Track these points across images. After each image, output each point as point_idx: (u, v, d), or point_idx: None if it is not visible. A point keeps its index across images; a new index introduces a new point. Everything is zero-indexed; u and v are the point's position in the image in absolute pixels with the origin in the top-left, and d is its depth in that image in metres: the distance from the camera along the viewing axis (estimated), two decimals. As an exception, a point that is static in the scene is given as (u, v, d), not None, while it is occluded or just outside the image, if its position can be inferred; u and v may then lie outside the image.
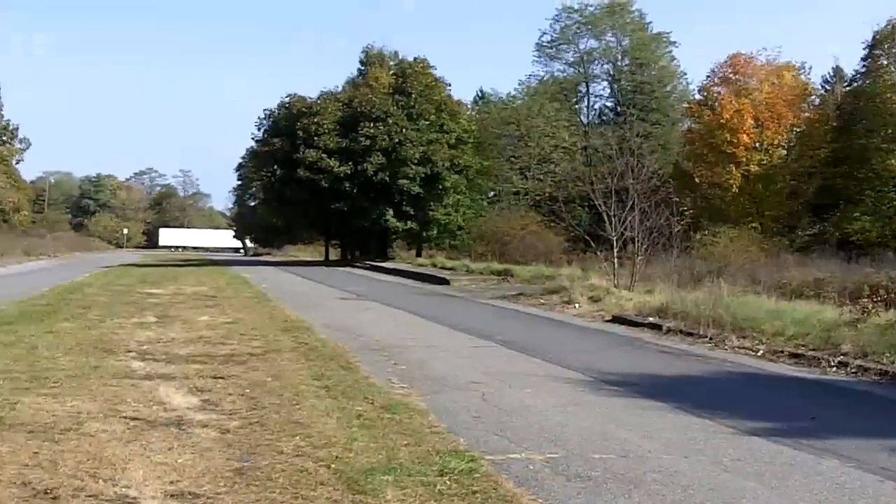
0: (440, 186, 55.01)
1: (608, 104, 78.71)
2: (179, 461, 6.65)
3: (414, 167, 53.78)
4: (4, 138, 74.29)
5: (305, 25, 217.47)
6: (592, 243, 29.66)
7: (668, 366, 13.29)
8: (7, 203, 70.92)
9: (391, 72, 61.20)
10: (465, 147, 57.38)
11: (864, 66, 53.18)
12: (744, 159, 52.08)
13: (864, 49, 52.68)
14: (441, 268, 41.53)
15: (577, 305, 22.51)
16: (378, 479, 6.26)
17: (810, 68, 58.20)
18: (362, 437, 7.49)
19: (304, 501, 5.82)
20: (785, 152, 53.86)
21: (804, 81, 56.18)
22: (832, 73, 61.49)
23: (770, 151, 53.07)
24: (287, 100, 59.21)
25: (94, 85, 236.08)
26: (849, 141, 49.74)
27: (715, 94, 55.15)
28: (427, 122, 55.65)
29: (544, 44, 76.97)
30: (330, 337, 15.06)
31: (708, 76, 57.37)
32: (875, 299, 16.33)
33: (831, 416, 9.74)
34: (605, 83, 78.28)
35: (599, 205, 27.68)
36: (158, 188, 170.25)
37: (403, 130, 54.21)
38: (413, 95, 56.43)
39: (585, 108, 78.94)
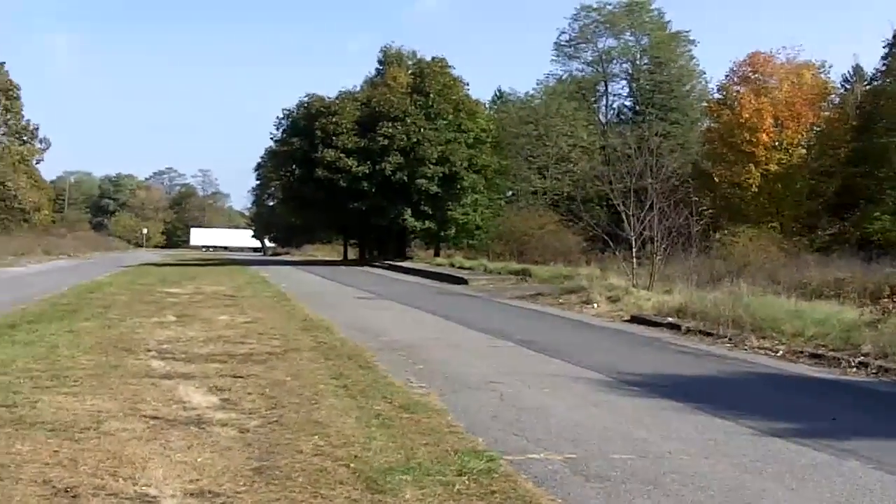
0: (458, 186, 54.96)
1: (627, 103, 78.72)
2: (199, 460, 6.67)
3: (432, 167, 53.74)
4: (25, 138, 74.71)
5: (324, 25, 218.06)
6: (611, 243, 29.61)
7: (688, 366, 13.26)
8: (28, 202, 71.31)
9: (409, 71, 61.19)
10: (484, 146, 57.29)
11: (884, 64, 52.85)
12: (763, 159, 51.87)
13: (883, 48, 52.42)
14: (459, 267, 41.50)
15: (595, 305, 22.45)
16: (397, 478, 6.26)
17: (830, 67, 57.78)
18: (381, 437, 7.49)
19: (323, 500, 5.82)
20: (805, 151, 53.58)
21: (824, 80, 55.90)
22: (852, 72, 61.25)
23: (790, 151, 52.81)
24: (306, 99, 59.27)
25: (113, 85, 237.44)
26: (869, 140, 49.41)
27: (734, 93, 54.94)
28: (445, 122, 55.59)
29: (563, 43, 77.05)
30: (349, 336, 15.07)
31: (727, 75, 57.20)
32: (896, 299, 16.23)
33: (852, 417, 9.68)
34: (624, 82, 78.32)
35: (618, 204, 27.63)
36: (178, 188, 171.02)
37: (421, 130, 54.18)
38: (431, 95, 56.40)
39: (604, 108, 78.96)
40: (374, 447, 7.11)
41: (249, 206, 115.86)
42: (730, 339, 15.72)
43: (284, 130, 60.83)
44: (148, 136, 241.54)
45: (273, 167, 66.97)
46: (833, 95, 56.67)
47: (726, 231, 42.30)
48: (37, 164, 77.71)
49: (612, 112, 79.27)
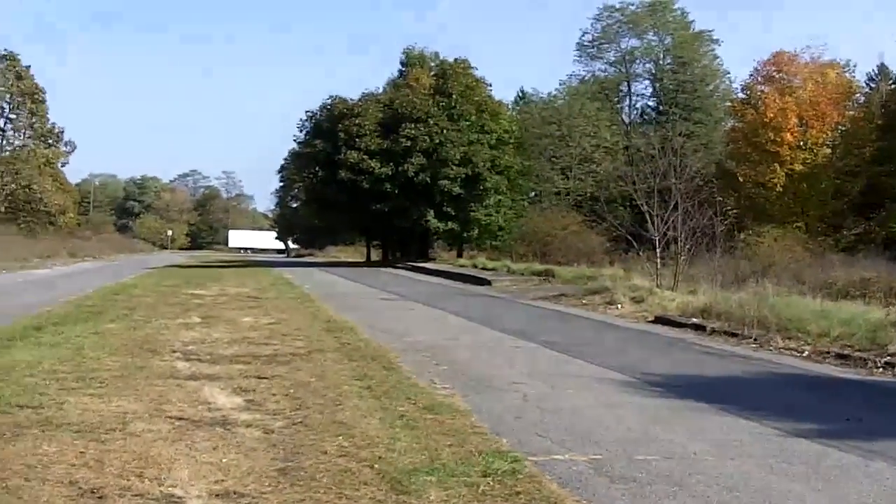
0: (481, 187, 54.94)
1: (650, 103, 78.59)
2: (224, 461, 6.69)
3: (455, 168, 53.76)
4: (50, 141, 75.29)
5: (346, 27, 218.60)
6: (635, 243, 29.56)
7: (712, 367, 13.19)
8: (53, 205, 71.83)
9: (432, 73, 61.27)
10: (506, 147, 57.25)
11: (910, 62, 52.52)
12: (788, 158, 51.65)
13: (909, 46, 52.01)
14: (482, 268, 41.44)
15: (619, 306, 22.37)
16: (421, 479, 6.26)
17: (855, 66, 57.59)
18: (405, 438, 7.49)
19: (347, 501, 5.83)
20: (829, 151, 53.32)
21: (848, 79, 55.68)
22: (877, 71, 60.76)
23: (814, 150, 52.57)
24: (329, 101, 59.41)
25: (139, 88, 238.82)
26: (894, 139, 49.07)
27: (758, 93, 54.73)
28: (468, 123, 55.57)
29: (586, 43, 77.03)
30: (372, 337, 15.08)
31: (751, 74, 57.04)
32: (923, 299, 16.12)
33: (878, 418, 9.61)
34: (647, 82, 78.21)
35: (642, 204, 27.56)
36: (202, 190, 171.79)
37: (444, 131, 54.20)
38: (454, 96, 56.42)
39: (627, 108, 78.91)
40: (398, 448, 7.12)
41: (273, 207, 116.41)
42: (755, 340, 15.63)
43: (307, 132, 61.01)
44: (172, 138, 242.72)
45: (296, 169, 67.26)
46: (858, 94, 56.41)
47: (751, 231, 42.13)
48: (62, 166, 78.43)
49: (635, 112, 79.23)
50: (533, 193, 66.90)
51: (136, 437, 7.33)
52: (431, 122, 54.42)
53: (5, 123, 72.71)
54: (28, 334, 14.03)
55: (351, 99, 58.91)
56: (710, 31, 75.73)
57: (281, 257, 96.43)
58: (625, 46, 76.38)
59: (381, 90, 61.80)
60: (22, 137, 73.73)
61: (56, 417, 7.91)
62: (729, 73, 76.94)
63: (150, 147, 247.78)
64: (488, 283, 33.43)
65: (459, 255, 56.77)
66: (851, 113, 53.72)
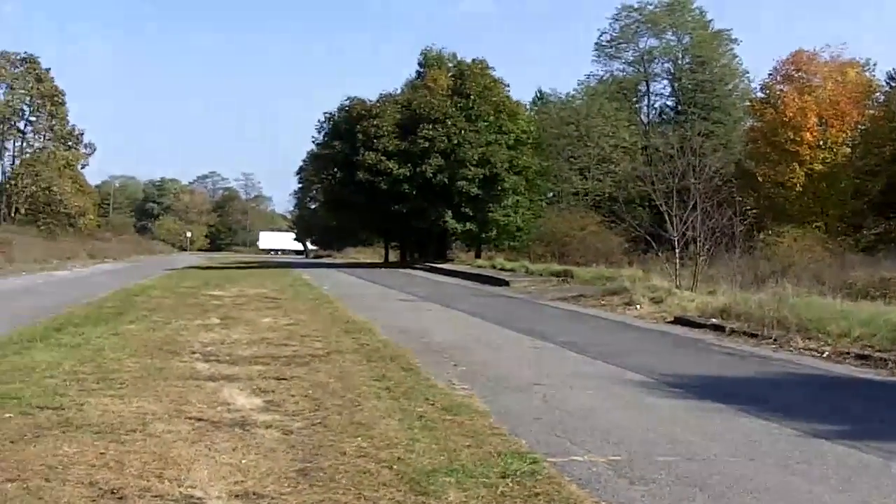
0: (499, 188, 54.93)
1: (669, 103, 78.40)
2: (244, 462, 6.70)
3: (473, 168, 53.77)
4: (70, 143, 75.80)
5: (364, 27, 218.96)
6: (653, 244, 29.46)
7: (732, 367, 13.13)
8: (73, 207, 72.25)
9: (450, 73, 61.29)
10: (524, 148, 57.22)
11: (930, 61, 52.22)
12: (807, 158, 51.44)
13: (930, 44, 51.75)
14: (500, 269, 41.40)
15: (638, 307, 22.31)
16: (440, 480, 6.26)
17: (875, 65, 57.22)
18: (424, 439, 7.49)
19: (366, 502, 5.83)
20: (849, 150, 53.03)
21: (868, 78, 55.39)
22: (897, 70, 60.34)
23: (834, 149, 52.32)
24: (347, 103, 59.60)
25: (158, 90, 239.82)
26: (915, 138, 48.83)
27: (778, 92, 54.54)
28: (486, 124, 55.58)
29: (604, 43, 76.93)
30: (391, 338, 15.07)
31: (770, 74, 56.83)
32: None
33: (900, 419, 9.55)
34: (666, 82, 78.01)
35: (660, 205, 27.49)
36: (221, 191, 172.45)
37: (462, 132, 54.23)
38: (471, 97, 56.44)
39: (646, 108, 78.73)
40: (417, 449, 7.11)
41: (291, 209, 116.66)
42: (775, 341, 15.56)
43: (326, 134, 61.19)
44: (191, 140, 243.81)
45: (315, 170, 67.43)
46: (878, 93, 56.04)
47: (770, 231, 42.00)
48: (82, 168, 78.97)
49: (653, 112, 79.05)
50: (551, 194, 66.83)
51: (156, 437, 7.35)
52: (449, 122, 54.46)
53: (25, 126, 73.34)
54: (48, 335, 14.08)
55: (369, 100, 59.12)
56: (728, 31, 75.55)
57: (300, 258, 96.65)
58: (643, 46, 76.29)
59: (398, 91, 61.90)
60: (42, 140, 74.30)
61: (76, 418, 7.94)
62: (748, 72, 76.71)
63: (169, 149, 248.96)
64: (506, 283, 33.40)
65: (478, 256, 56.80)
66: (871, 112, 53.41)
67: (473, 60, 60.60)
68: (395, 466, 6.60)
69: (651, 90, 78.50)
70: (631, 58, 77.23)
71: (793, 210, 50.38)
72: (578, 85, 79.90)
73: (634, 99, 78.47)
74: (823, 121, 52.17)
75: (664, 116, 77.12)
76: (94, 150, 78.61)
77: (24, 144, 73.55)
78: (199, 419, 8.13)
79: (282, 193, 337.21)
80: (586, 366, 12.79)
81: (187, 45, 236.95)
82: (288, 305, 21.99)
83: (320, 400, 9.17)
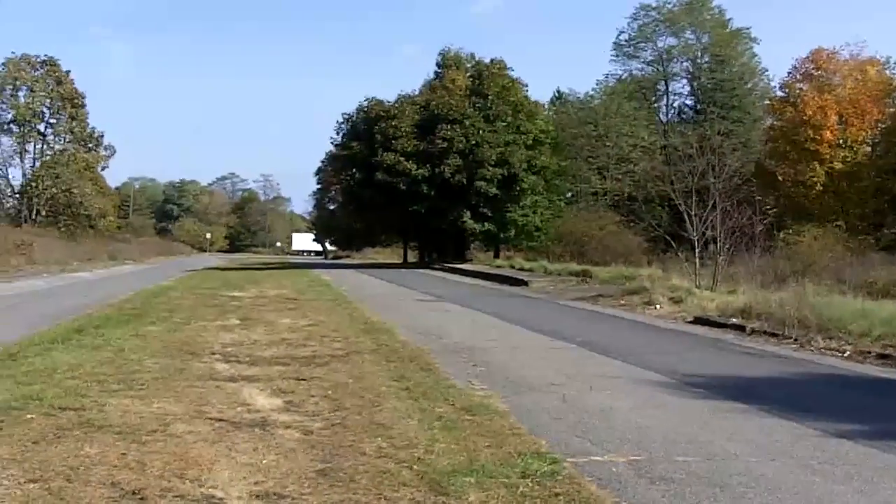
0: (517, 188, 54.86)
1: (688, 102, 78.13)
2: (264, 462, 6.72)
3: (491, 169, 53.71)
4: (90, 145, 76.10)
5: (381, 28, 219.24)
6: (673, 243, 29.39)
7: (753, 367, 13.07)
8: (93, 209, 72.53)
9: (468, 74, 61.24)
10: (543, 148, 57.10)
11: (950, 58, 51.91)
12: (827, 156, 51.20)
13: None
14: (519, 269, 41.39)
15: (657, 306, 22.26)
16: (460, 480, 6.25)
17: (895, 63, 56.83)
18: (444, 439, 7.49)
19: (387, 502, 5.84)
20: (870, 149, 52.73)
21: (889, 76, 55.03)
22: (919, 68, 59.92)
23: (854, 148, 52.07)
24: (365, 104, 59.66)
25: (176, 93, 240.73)
26: (937, 136, 48.52)
27: (797, 91, 54.32)
28: (504, 124, 55.51)
29: (622, 42, 76.76)
30: (410, 339, 15.09)
31: (790, 72, 56.55)
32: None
33: (923, 419, 9.49)
34: (685, 81, 77.76)
35: (680, 204, 27.42)
36: (240, 192, 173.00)
37: (480, 132, 54.19)
38: (490, 97, 56.40)
39: (664, 107, 78.52)
40: (436, 449, 7.11)
41: (310, 209, 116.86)
42: (795, 340, 15.49)
43: (345, 135, 61.28)
44: (211, 142, 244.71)
45: (333, 171, 67.58)
46: (899, 92, 55.66)
47: (790, 230, 41.80)
48: (102, 170, 79.22)
49: (672, 111, 78.79)
50: (570, 194, 66.72)
51: (177, 438, 7.38)
52: (467, 123, 54.44)
53: (46, 128, 73.64)
54: (69, 337, 14.15)
55: (387, 101, 59.15)
56: (747, 29, 75.20)
57: (319, 259, 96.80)
58: (662, 45, 76.08)
59: (417, 92, 61.92)
60: (62, 142, 74.59)
61: (97, 419, 7.97)
62: (767, 70, 76.42)
63: (188, 150, 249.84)
64: (525, 283, 33.37)
65: (496, 256, 56.72)
66: (892, 110, 53.09)
67: (492, 61, 60.58)
68: (414, 466, 6.60)
69: (670, 89, 78.31)
70: (650, 57, 77.08)
71: (813, 209, 50.15)
72: (597, 84, 79.78)
73: (653, 98, 78.25)
74: (843, 119, 51.92)
75: (683, 116, 76.86)
76: (114, 152, 78.96)
77: (45, 147, 73.85)
78: (220, 420, 8.16)
79: (301, 194, 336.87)
80: (606, 366, 12.75)
81: (206, 47, 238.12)
82: (307, 306, 22.04)
83: (340, 400, 9.19)
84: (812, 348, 14.85)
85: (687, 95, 78.43)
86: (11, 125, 71.49)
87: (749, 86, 74.97)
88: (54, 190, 69.93)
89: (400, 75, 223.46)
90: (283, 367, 11.46)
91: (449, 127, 54.19)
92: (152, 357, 12.00)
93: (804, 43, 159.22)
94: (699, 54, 76.07)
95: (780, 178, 51.87)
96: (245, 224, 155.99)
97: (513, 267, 43.62)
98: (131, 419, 8.04)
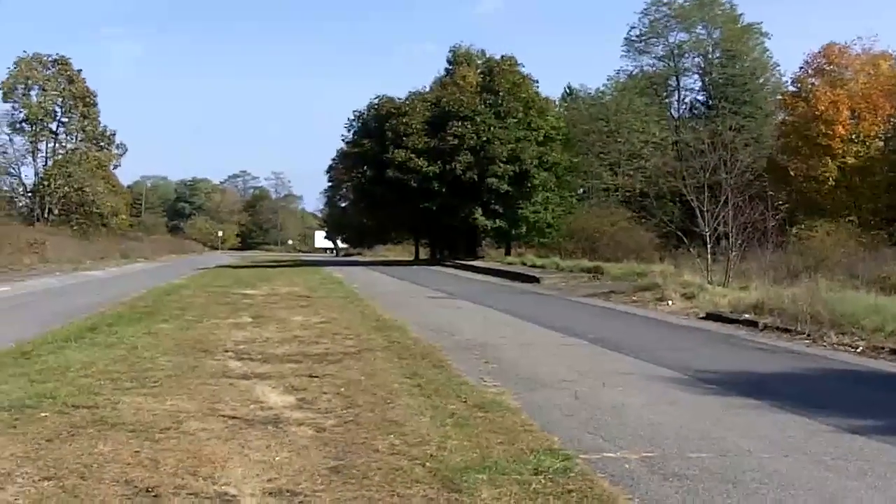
0: (529, 184, 54.81)
1: (699, 98, 77.90)
2: (277, 459, 6.73)
3: (502, 165, 53.68)
4: (102, 144, 76.34)
5: (390, 27, 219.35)
6: (685, 239, 29.34)
7: (765, 363, 13.03)
8: (105, 207, 72.75)
9: (479, 70, 61.24)
10: (554, 144, 57.05)
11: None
12: (840, 151, 51.03)
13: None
14: (531, 266, 41.38)
15: (669, 302, 22.22)
16: (473, 477, 6.25)
17: (908, 56, 56.58)
18: (456, 436, 7.49)
19: (400, 499, 5.84)
20: (882, 143, 52.52)
21: (901, 70, 54.72)
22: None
23: (867, 143, 51.88)
24: (376, 101, 59.67)
25: (188, 92, 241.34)
26: (950, 130, 48.31)
27: (809, 86, 54.13)
28: (515, 120, 55.48)
29: (633, 38, 76.58)
30: (422, 335, 15.10)
31: (801, 67, 56.42)
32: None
33: (937, 414, 9.45)
34: (696, 76, 77.58)
35: (691, 200, 27.38)
36: (251, 190, 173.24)
37: (491, 129, 54.16)
38: (500, 93, 56.38)
39: (676, 102, 78.30)
40: (449, 446, 7.12)
41: (322, 207, 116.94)
42: (808, 336, 15.45)
43: (355, 132, 61.31)
44: (222, 140, 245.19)
45: (345, 169, 67.60)
46: (912, 85, 55.40)
47: (803, 225, 41.69)
48: (114, 169, 79.50)
49: (684, 107, 78.56)
50: (581, 190, 66.64)
51: (190, 435, 7.40)
52: (478, 119, 54.42)
53: (58, 127, 73.88)
54: (83, 335, 14.21)
55: (398, 98, 59.19)
56: (759, 24, 74.94)
57: (330, 256, 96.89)
58: (673, 41, 75.86)
59: (427, 89, 61.93)
60: (74, 140, 74.83)
61: (111, 417, 8.00)
62: (779, 66, 76.19)
63: (200, 149, 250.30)
64: (537, 280, 33.36)
65: (507, 253, 56.67)
66: (905, 104, 52.88)
67: (502, 57, 60.57)
68: (427, 463, 6.60)
69: (681, 85, 78.07)
70: (661, 52, 76.88)
71: (825, 204, 50.01)
72: (608, 80, 79.69)
73: (664, 94, 78.05)
74: (856, 114, 51.74)
75: (694, 111, 76.63)
76: (126, 150, 79.22)
77: (57, 145, 74.07)
78: (233, 417, 8.18)
79: (312, 192, 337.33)
80: (618, 362, 12.74)
81: (216, 44, 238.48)
82: (319, 303, 22.06)
83: (352, 397, 9.20)
84: (825, 344, 14.79)
85: (698, 91, 78.27)
86: (24, 124, 71.79)
87: (761, 81, 74.75)
88: (66, 189, 70.19)
89: (410, 73, 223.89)
90: (296, 364, 11.48)
91: (460, 124, 54.17)
92: (165, 355, 12.04)
93: (816, 38, 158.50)
94: (710, 49, 75.85)
95: (792, 173, 51.72)
96: (257, 222, 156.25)
97: (524, 264, 43.59)
98: (144, 417, 8.06)
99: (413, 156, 54.08)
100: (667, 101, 78.05)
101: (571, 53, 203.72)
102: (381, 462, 6.66)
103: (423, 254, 69.52)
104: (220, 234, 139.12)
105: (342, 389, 9.65)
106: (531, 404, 9.17)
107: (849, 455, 7.24)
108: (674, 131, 69.88)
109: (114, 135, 77.14)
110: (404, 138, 54.51)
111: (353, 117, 62.11)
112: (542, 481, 6.22)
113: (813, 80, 54.53)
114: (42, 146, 73.28)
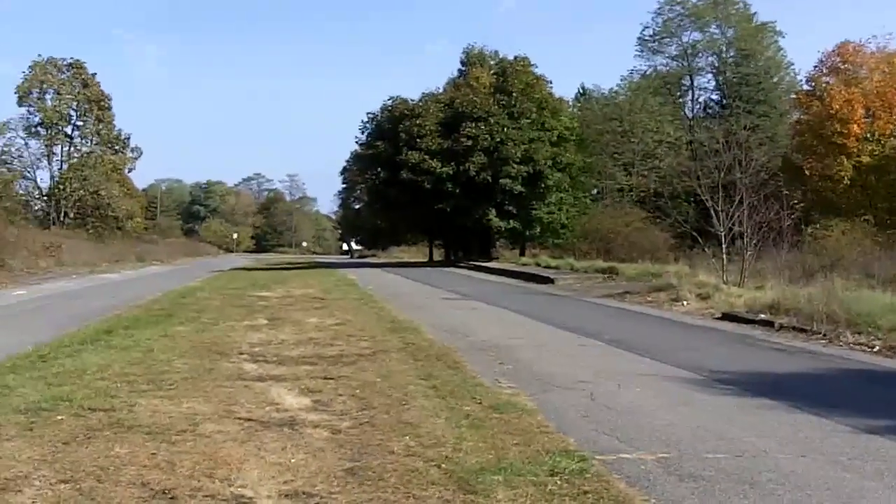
0: (542, 185, 54.75)
1: (713, 97, 77.69)
2: (293, 461, 6.75)
3: (516, 166, 53.65)
4: (117, 147, 76.57)
5: (405, 27, 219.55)
6: (699, 239, 29.27)
7: (781, 363, 13.00)
8: (121, 211, 72.98)
9: (492, 71, 61.19)
10: (568, 144, 56.96)
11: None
12: (855, 150, 50.82)
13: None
14: (545, 267, 41.32)
15: (684, 303, 22.17)
16: (488, 478, 6.25)
17: (923, 54, 56.32)
18: (471, 437, 7.49)
19: (415, 501, 5.84)
20: (897, 142, 52.27)
21: (917, 68, 54.46)
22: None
23: (882, 141, 51.62)
24: (390, 103, 59.73)
25: (202, 95, 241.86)
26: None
27: (824, 85, 53.91)
28: (528, 121, 55.42)
29: (646, 38, 76.39)
30: (436, 337, 15.11)
31: (816, 66, 56.18)
32: None
33: (955, 414, 9.40)
34: (710, 76, 77.34)
35: (706, 200, 27.30)
36: (266, 193, 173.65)
37: (505, 129, 54.13)
38: (514, 94, 56.32)
39: (690, 102, 78.06)
40: (464, 447, 7.11)
41: (336, 209, 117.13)
42: (824, 336, 15.39)
43: (369, 134, 61.38)
44: (236, 142, 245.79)
45: (358, 170, 67.74)
46: (927, 84, 55.14)
47: (818, 225, 41.55)
48: (129, 172, 79.70)
49: (698, 106, 78.34)
50: (595, 190, 66.55)
51: (206, 438, 7.42)
52: (492, 120, 54.40)
53: (73, 130, 74.10)
54: (99, 338, 14.26)
55: (411, 99, 59.22)
56: (773, 23, 74.70)
57: (345, 258, 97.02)
58: (686, 40, 75.64)
59: (441, 90, 61.94)
60: (89, 144, 75.09)
61: (127, 419, 8.03)
62: (793, 64, 75.93)
63: (214, 151, 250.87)
64: (551, 281, 33.32)
65: (522, 254, 56.61)
66: (921, 102, 52.62)
67: (516, 58, 60.51)
68: (443, 465, 6.60)
69: (695, 84, 77.85)
70: (674, 52, 76.67)
71: (840, 203, 49.82)
72: (621, 80, 79.54)
73: (678, 93, 77.84)
74: (871, 112, 51.51)
75: (709, 111, 76.41)
76: (141, 153, 79.44)
77: (72, 149, 74.28)
78: (249, 419, 8.20)
79: (326, 194, 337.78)
80: (633, 363, 12.71)
81: (231, 47, 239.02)
82: (334, 305, 22.09)
83: (368, 399, 9.21)
84: (841, 343, 14.74)
85: (712, 90, 78.07)
86: (39, 128, 72.06)
87: (775, 80, 74.49)
88: (82, 192, 70.43)
89: (424, 74, 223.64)
90: (311, 366, 11.50)
91: (473, 125, 54.18)
92: (181, 357, 12.07)
93: (830, 36, 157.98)
94: (724, 49, 75.60)
95: (807, 172, 51.52)
96: (271, 224, 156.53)
97: (539, 265, 43.54)
98: (161, 419, 8.09)
99: (427, 157, 54.10)
100: (681, 100, 77.86)
101: (585, 53, 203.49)
102: (396, 464, 6.67)
103: (437, 255, 69.52)
104: (235, 236, 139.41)
105: (357, 391, 9.66)
106: (547, 405, 9.16)
107: (866, 455, 7.21)
108: (688, 131, 69.72)
109: (128, 138, 77.45)
110: (418, 140, 54.54)
111: (366, 119, 62.28)
112: (558, 482, 6.21)
113: (827, 78, 54.34)
114: (57, 150, 73.56)
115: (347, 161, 75.71)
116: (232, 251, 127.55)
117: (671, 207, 37.47)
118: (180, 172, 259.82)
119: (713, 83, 77.62)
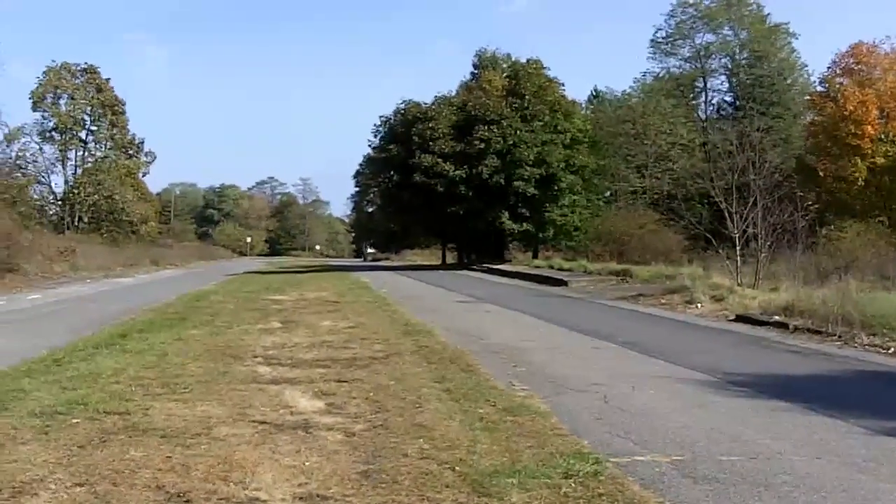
0: (555, 187, 54.75)
1: (727, 99, 77.45)
2: (307, 464, 6.75)
3: (529, 169, 53.68)
4: (131, 152, 76.88)
5: (416, 29, 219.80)
6: (713, 241, 29.20)
7: (796, 365, 12.96)
8: (135, 215, 73.19)
9: (504, 74, 61.21)
10: (581, 147, 56.94)
11: None
12: (869, 151, 50.62)
13: None
14: (558, 269, 41.23)
15: (698, 305, 22.11)
16: (503, 481, 6.25)
17: (938, 55, 56.08)
18: (485, 440, 7.48)
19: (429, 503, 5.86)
20: (912, 143, 52.05)
21: (932, 70, 54.25)
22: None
23: (896, 143, 51.38)
24: (402, 106, 59.85)
25: (216, 99, 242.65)
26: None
27: (837, 86, 53.70)
28: (541, 123, 55.43)
29: (659, 40, 76.22)
30: (450, 340, 15.09)
31: (829, 67, 55.98)
32: None
33: (971, 416, 9.35)
34: (723, 77, 77.10)
35: (720, 202, 27.26)
36: (279, 196, 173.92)
37: (517, 132, 54.16)
38: (526, 97, 56.34)
39: (703, 104, 77.84)
40: (478, 450, 7.11)
41: (349, 212, 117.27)
42: (839, 337, 15.33)
43: (382, 137, 61.49)
44: (250, 146, 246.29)
45: (371, 174, 67.80)
46: (942, 84, 54.89)
47: (832, 226, 41.38)
48: (143, 176, 79.99)
49: (711, 108, 78.14)
50: (608, 193, 66.46)
51: (221, 441, 7.43)
52: (505, 123, 54.43)
53: (87, 135, 74.37)
54: (113, 341, 14.30)
55: (424, 103, 59.30)
56: (786, 24, 74.46)
57: (358, 261, 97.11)
58: (699, 42, 75.44)
59: (453, 93, 62.00)
60: (103, 149, 75.37)
61: (142, 423, 8.05)
62: (807, 66, 75.65)
63: (228, 156, 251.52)
64: (565, 283, 33.27)
65: (535, 256, 56.60)
66: (935, 103, 52.41)
67: (528, 60, 60.53)
68: (457, 468, 6.60)
69: (708, 86, 77.66)
70: (687, 54, 76.47)
71: (855, 204, 49.64)
72: (634, 82, 79.37)
73: (691, 95, 77.65)
74: (885, 113, 51.32)
75: (722, 112, 76.18)
76: (155, 158, 79.73)
77: (86, 154, 74.56)
78: (263, 422, 8.21)
79: (339, 198, 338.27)
80: (647, 365, 12.69)
81: (243, 51, 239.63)
82: (347, 308, 22.10)
83: (381, 402, 9.21)
84: (856, 345, 14.68)
85: (726, 92, 77.86)
86: (53, 133, 72.29)
87: (788, 81, 74.24)
88: (96, 197, 70.66)
89: (436, 76, 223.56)
90: (325, 369, 11.51)
91: (486, 128, 54.23)
92: (195, 361, 12.10)
93: (843, 37, 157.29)
94: (737, 50, 75.39)
95: (821, 173, 51.34)
96: (285, 228, 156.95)
97: (552, 267, 43.45)
98: (175, 423, 8.11)
99: (439, 160, 54.16)
100: (694, 102, 77.68)
101: (598, 55, 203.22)
102: (410, 466, 6.67)
103: (450, 258, 69.55)
104: (249, 240, 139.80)
105: (371, 394, 9.66)
106: (560, 408, 9.15)
107: (881, 457, 7.18)
108: (701, 133, 69.52)
109: (142, 143, 77.76)
110: (431, 143, 54.61)
111: (379, 123, 62.41)
112: (573, 485, 6.20)
113: (841, 79, 54.15)
114: (71, 155, 73.85)
115: (360, 164, 75.81)
116: (245, 255, 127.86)
117: (685, 209, 37.32)
118: (194, 176, 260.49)
119: (726, 85, 77.49)
